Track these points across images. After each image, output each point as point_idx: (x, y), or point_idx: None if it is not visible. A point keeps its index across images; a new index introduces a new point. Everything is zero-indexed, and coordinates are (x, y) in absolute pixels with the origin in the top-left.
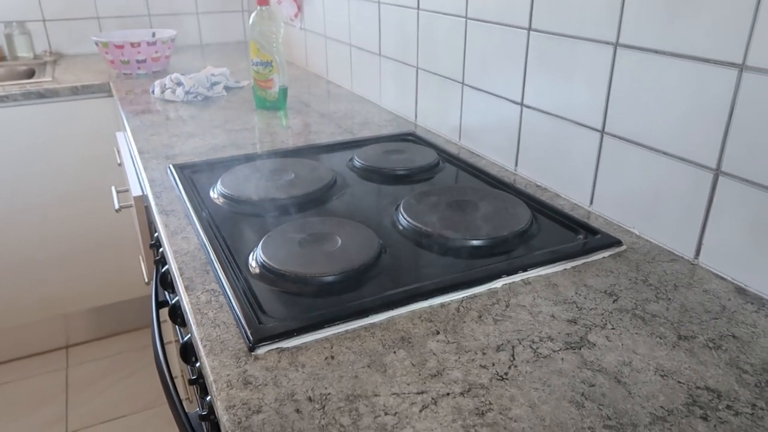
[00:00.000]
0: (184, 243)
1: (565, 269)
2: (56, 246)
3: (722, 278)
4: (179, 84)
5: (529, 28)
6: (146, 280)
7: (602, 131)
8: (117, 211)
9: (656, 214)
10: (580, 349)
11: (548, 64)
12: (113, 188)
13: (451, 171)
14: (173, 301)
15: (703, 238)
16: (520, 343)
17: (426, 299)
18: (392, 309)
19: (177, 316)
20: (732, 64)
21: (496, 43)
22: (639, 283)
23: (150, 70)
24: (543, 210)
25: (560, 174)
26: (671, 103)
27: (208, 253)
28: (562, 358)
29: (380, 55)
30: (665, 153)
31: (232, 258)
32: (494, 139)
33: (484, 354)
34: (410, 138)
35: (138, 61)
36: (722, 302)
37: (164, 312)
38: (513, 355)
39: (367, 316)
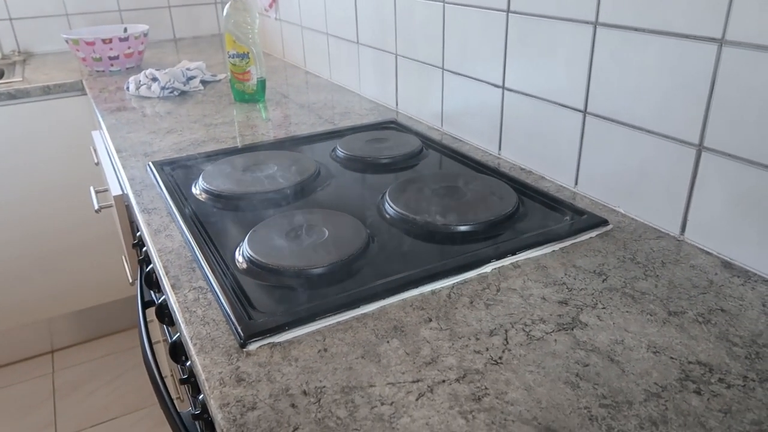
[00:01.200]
0: (168, 241)
1: (554, 251)
2: (35, 249)
3: (708, 253)
4: (154, 80)
5: (508, 10)
6: (130, 281)
7: (584, 111)
8: (97, 211)
9: (641, 192)
10: (572, 329)
11: (528, 46)
12: (92, 188)
13: (435, 157)
14: (160, 301)
15: (688, 214)
16: (512, 326)
17: (416, 287)
18: (383, 298)
19: (164, 315)
20: (711, 39)
21: (475, 26)
22: (627, 262)
23: (123, 67)
24: (529, 193)
25: (544, 156)
26: (652, 80)
27: (194, 250)
28: (555, 340)
29: (358, 44)
30: (648, 131)
31: (218, 254)
32: (477, 123)
33: (477, 339)
34: (392, 126)
35: (110, 58)
36: (709, 277)
37: (151, 312)
38: (506, 339)
39: (358, 306)
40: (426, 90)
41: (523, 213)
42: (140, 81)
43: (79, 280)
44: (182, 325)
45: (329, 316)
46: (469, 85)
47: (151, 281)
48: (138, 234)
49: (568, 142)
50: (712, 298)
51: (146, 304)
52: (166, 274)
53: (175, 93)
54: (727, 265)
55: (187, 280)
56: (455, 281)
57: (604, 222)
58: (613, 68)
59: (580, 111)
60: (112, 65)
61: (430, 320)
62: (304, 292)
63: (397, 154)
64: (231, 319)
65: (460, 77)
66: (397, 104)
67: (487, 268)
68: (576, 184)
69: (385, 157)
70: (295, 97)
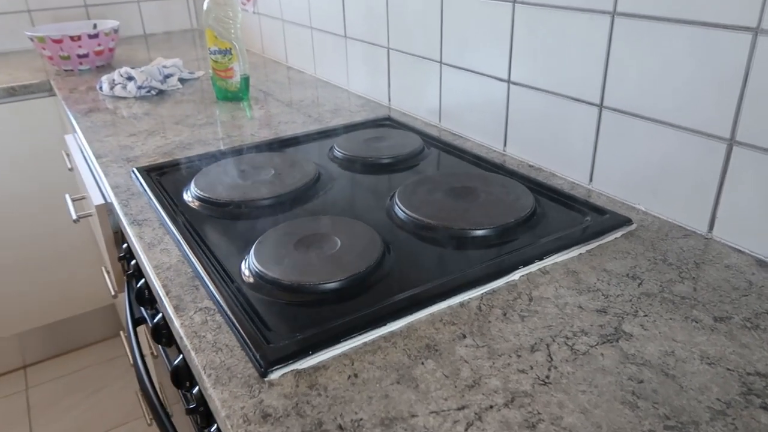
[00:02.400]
0: (165, 256)
1: (581, 254)
2: (2, 260)
3: (740, 252)
4: (130, 78)
5: (515, 0)
6: (113, 293)
7: (600, 105)
8: (75, 221)
9: (663, 188)
10: (617, 341)
11: (537, 39)
12: (68, 196)
13: (438, 156)
14: (156, 320)
15: (717, 211)
16: (553, 340)
17: (444, 299)
18: (410, 313)
19: (161, 336)
20: (746, 28)
21: (477, 17)
22: (659, 263)
23: (93, 65)
24: (543, 191)
25: (555, 152)
26: (677, 72)
27: (194, 265)
28: (602, 354)
29: (346, 37)
30: (672, 125)
31: (222, 269)
32: (479, 119)
33: (519, 356)
34: (387, 123)
35: (79, 56)
36: (747, 277)
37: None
38: (550, 355)
39: (384, 324)
40: (422, 85)
41: (542, 214)
42: (114, 80)
43: (51, 291)
44: (192, 353)
45: (355, 336)
46: (470, 79)
47: (142, 298)
48: (124, 246)
49: (581, 137)
50: (755, 300)
51: (137, 322)
52: (167, 294)
53: (153, 92)
54: (762, 264)
55: (191, 300)
56: (483, 291)
57: (628, 221)
58: (632, 61)
59: (595, 105)
60: (81, 63)
61: (464, 336)
62: (323, 309)
63: (399, 153)
64: (247, 344)
65: (459, 71)
66: (389, 100)
67: (516, 276)
68: (591, 180)
69: (387, 156)
70: (280, 95)
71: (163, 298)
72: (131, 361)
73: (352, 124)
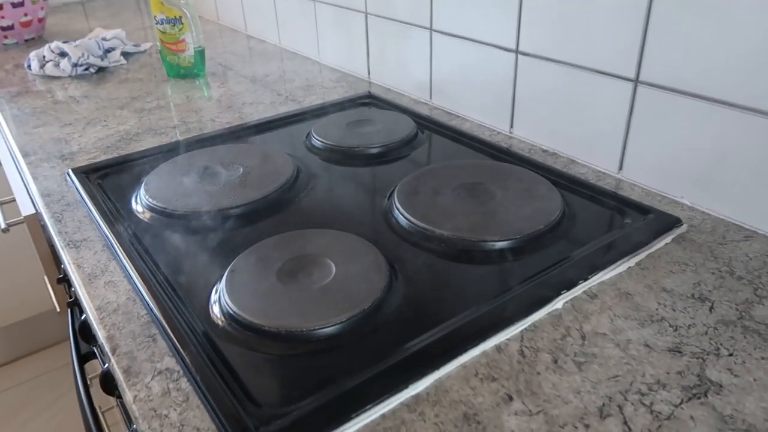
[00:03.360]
0: (110, 292)
1: (630, 268)
2: None
3: None
4: (62, 54)
5: None
6: (58, 310)
7: (636, 80)
8: (4, 231)
9: (714, 179)
10: (705, 395)
11: (554, 0)
12: None
13: (436, 142)
14: (105, 368)
15: None
16: (625, 398)
17: (477, 343)
18: (437, 367)
19: (113, 387)
20: None
21: None
22: (726, 277)
23: (21, 39)
24: (567, 185)
25: (574, 135)
26: (739, 40)
27: (150, 306)
28: (691, 417)
29: (314, 0)
30: (728, 103)
31: (185, 309)
32: (479, 96)
33: (587, 427)
34: (370, 101)
35: (3, 28)
36: None
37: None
38: (626, 422)
39: (406, 385)
40: (408, 56)
41: (571, 215)
42: (45, 57)
43: None
44: None
45: (369, 407)
46: (468, 48)
47: (87, 335)
48: (63, 267)
49: (610, 118)
50: None
51: (84, 358)
52: (113, 352)
53: (91, 70)
54: None
55: (146, 359)
56: (523, 327)
57: (677, 222)
58: (681, 25)
59: (629, 80)
60: (6, 37)
61: (511, 398)
62: (321, 365)
63: (390, 140)
64: (226, 429)
65: (455, 39)
66: (369, 73)
67: (558, 303)
68: (620, 169)
69: (376, 145)
70: (241, 69)
71: (110, 358)
72: (80, 411)
73: (329, 104)
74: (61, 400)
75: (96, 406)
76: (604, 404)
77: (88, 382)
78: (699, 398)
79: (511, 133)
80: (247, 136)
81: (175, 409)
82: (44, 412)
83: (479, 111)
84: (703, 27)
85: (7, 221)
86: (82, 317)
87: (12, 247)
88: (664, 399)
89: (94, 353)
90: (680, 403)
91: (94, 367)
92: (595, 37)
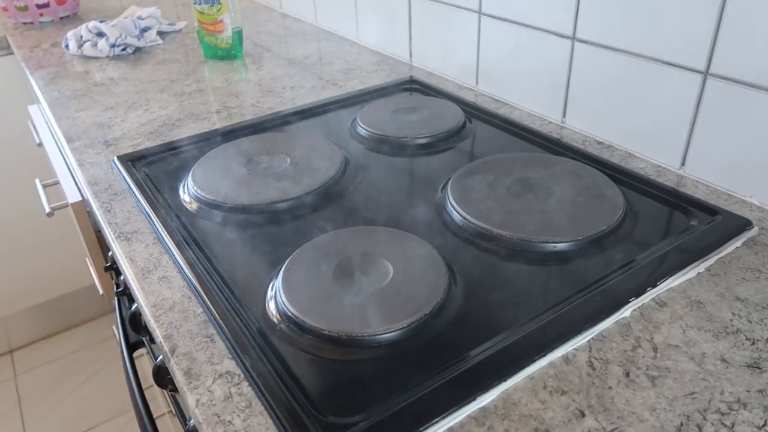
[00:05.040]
0: (165, 288)
1: (700, 273)
2: None
3: None
4: (100, 34)
5: None
6: (101, 292)
7: (705, 72)
8: (49, 215)
9: None
10: None
11: None
12: (38, 183)
13: (485, 131)
14: (158, 361)
15: None
16: (704, 417)
17: (544, 354)
18: (503, 378)
19: (167, 382)
20: None
21: None
22: None
23: (56, 17)
24: (626, 181)
25: (633, 127)
26: None
27: (206, 304)
28: None
29: None
30: None
31: (240, 309)
32: (530, 83)
33: None
34: (414, 87)
35: (39, 6)
36: None
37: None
38: None
39: (473, 397)
40: (454, 39)
41: (633, 214)
42: (82, 37)
43: (35, 270)
44: None
45: (436, 421)
46: (520, 33)
47: (137, 325)
48: (110, 254)
49: (673, 110)
50: None
51: (132, 347)
52: (172, 352)
53: (129, 50)
54: None
55: (206, 360)
56: (590, 337)
57: (748, 224)
58: (760, 15)
59: (698, 71)
60: (41, 15)
61: (583, 414)
62: (383, 372)
63: (438, 130)
64: None
65: (505, 23)
66: (411, 56)
67: (627, 312)
68: (683, 164)
69: (424, 135)
70: (279, 50)
71: (169, 357)
72: (131, 401)
73: (372, 90)
74: (98, 376)
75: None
76: (682, 423)
77: (135, 365)
78: None
79: (563, 122)
80: (290, 123)
81: (238, 415)
82: (80, 388)
83: (529, 98)
84: None
85: (52, 205)
86: (132, 307)
87: (52, 225)
88: (746, 420)
89: (142, 342)
90: (764, 425)
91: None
92: (662, 25)
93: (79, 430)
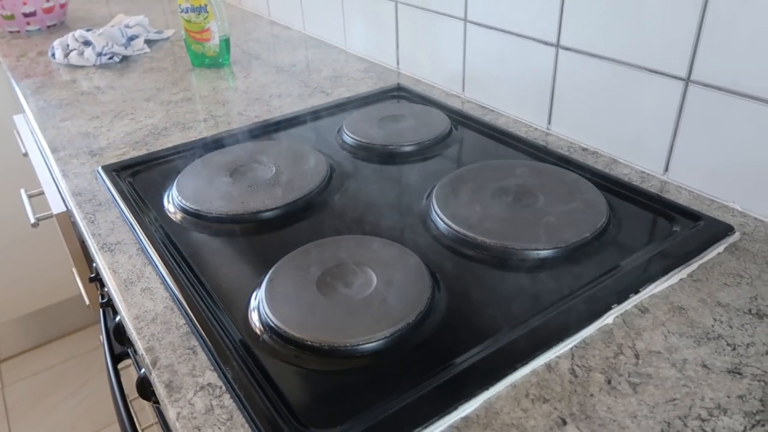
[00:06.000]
0: (147, 300)
1: (682, 279)
2: None
3: None
4: (87, 43)
5: None
6: (87, 302)
7: (687, 80)
8: (34, 225)
9: None
10: None
11: None
12: (23, 193)
13: (471, 138)
14: (141, 374)
15: None
16: (685, 424)
17: (526, 362)
18: (486, 387)
19: (149, 393)
20: None
21: None
22: None
23: (43, 25)
24: (610, 187)
25: (617, 134)
26: None
27: (188, 316)
28: None
29: None
30: None
31: (223, 319)
32: (515, 90)
33: None
34: (401, 94)
35: (26, 15)
36: None
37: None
38: None
39: (455, 406)
40: (440, 46)
41: (616, 221)
42: (69, 45)
43: (23, 281)
44: None
45: (419, 430)
46: (505, 41)
47: (122, 337)
48: (95, 267)
49: (656, 117)
50: None
51: (117, 358)
52: (154, 364)
53: (116, 59)
54: None
55: (188, 373)
56: (573, 344)
57: (730, 229)
58: (739, 22)
59: (680, 78)
60: (28, 24)
61: (564, 422)
62: (365, 382)
63: (425, 137)
64: None
65: (491, 31)
66: (398, 63)
67: (609, 318)
68: (666, 170)
69: (410, 143)
70: (267, 57)
71: (150, 370)
72: (116, 413)
73: (359, 97)
74: (89, 385)
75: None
76: (662, 430)
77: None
78: (763, 425)
79: (548, 129)
80: (277, 131)
81: (219, 428)
82: (71, 398)
83: (515, 105)
84: (765, 24)
85: (37, 215)
86: (116, 319)
87: (39, 235)
88: (726, 426)
89: (128, 353)
90: (744, 431)
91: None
92: (644, 33)
93: None
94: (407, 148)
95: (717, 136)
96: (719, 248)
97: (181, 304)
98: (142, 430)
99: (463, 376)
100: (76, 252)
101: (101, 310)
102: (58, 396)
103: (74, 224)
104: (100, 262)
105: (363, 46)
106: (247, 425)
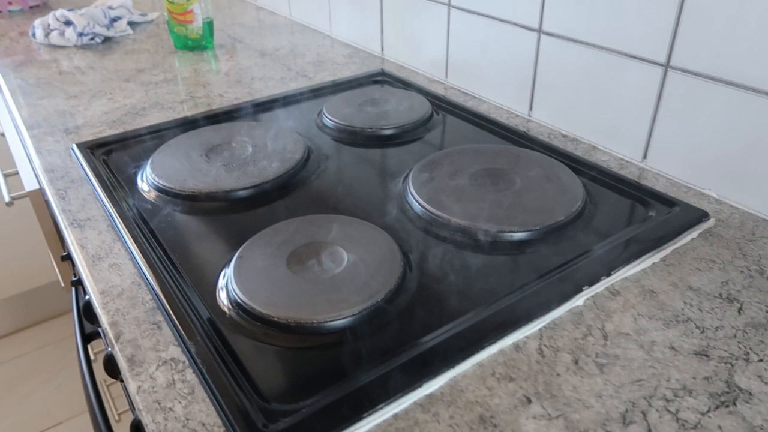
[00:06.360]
0: (114, 275)
1: (654, 263)
2: None
3: None
4: (68, 23)
5: None
6: (62, 285)
7: (666, 65)
8: (8, 204)
9: (745, 171)
10: (734, 404)
11: None
12: None
13: (452, 123)
14: (109, 352)
15: None
16: (649, 404)
17: (494, 341)
18: (452, 365)
19: (117, 371)
20: None
21: None
22: (756, 277)
23: (26, 5)
24: (588, 173)
25: (597, 121)
26: None
27: (155, 291)
28: (719, 426)
29: None
30: (766, 93)
31: (190, 296)
32: (498, 76)
33: None
34: (383, 79)
35: None
36: None
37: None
38: (650, 430)
39: (420, 383)
40: (424, 32)
41: (592, 205)
42: (50, 25)
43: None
44: None
45: (382, 407)
46: (488, 26)
47: (92, 315)
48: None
49: (636, 104)
50: None
51: (88, 338)
52: (117, 338)
53: (97, 40)
54: None
55: (151, 347)
56: (542, 325)
57: (704, 215)
58: (717, 9)
59: (659, 64)
60: (10, 3)
61: (529, 400)
62: (332, 360)
63: (405, 121)
64: (233, 427)
65: (474, 16)
66: (382, 49)
67: (580, 300)
68: (645, 157)
69: (390, 126)
70: (251, 42)
71: (113, 345)
72: (83, 390)
73: (341, 82)
74: (65, 372)
75: (99, 382)
76: (627, 410)
77: (92, 358)
78: (727, 406)
79: (529, 116)
80: (256, 113)
81: (180, 402)
82: (47, 384)
83: (497, 92)
84: (744, 11)
85: (11, 194)
86: (87, 297)
87: (16, 218)
88: (690, 406)
89: (99, 333)
90: (707, 411)
91: (100, 342)
92: (624, 18)
93: (45, 426)
94: (387, 132)
95: (695, 124)
96: (693, 234)
97: (147, 279)
98: (118, 414)
99: (429, 354)
100: (50, 231)
101: (73, 289)
102: (35, 382)
103: (47, 203)
104: (69, 237)
105: (348, 31)
106: (208, 399)
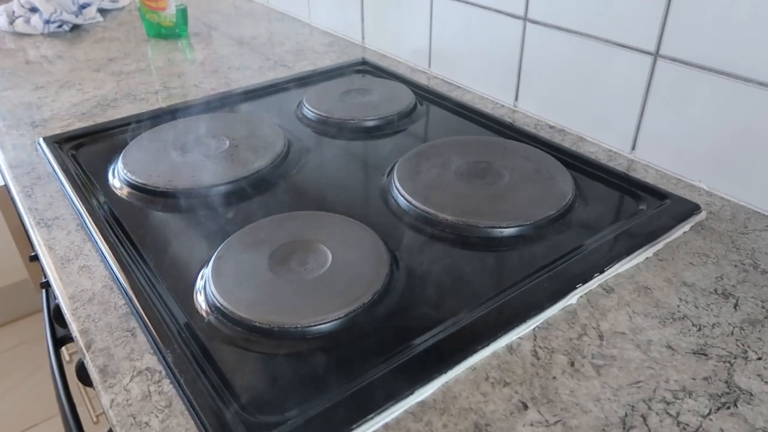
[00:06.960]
0: (85, 278)
1: (648, 258)
2: None
3: None
4: (33, 10)
5: None
6: (33, 285)
7: (656, 54)
8: None
9: (736, 162)
10: (735, 405)
11: None
12: None
13: (436, 114)
14: (80, 361)
15: None
16: (648, 407)
17: (487, 344)
18: (444, 370)
19: (89, 379)
20: None
21: None
22: (750, 271)
23: None
24: (577, 165)
25: (584, 111)
26: None
27: (129, 296)
28: (721, 429)
29: None
30: (757, 82)
31: (166, 300)
32: (482, 65)
33: None
34: (366, 69)
35: None
36: None
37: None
38: None
39: (411, 391)
40: (406, 20)
41: (582, 199)
42: (14, 12)
43: None
44: None
45: (372, 417)
46: (472, 14)
47: (62, 319)
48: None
49: (624, 93)
50: None
51: (59, 342)
52: (88, 347)
53: (65, 27)
54: None
55: (125, 356)
56: (535, 325)
57: (696, 208)
58: None
59: (648, 53)
60: None
61: (525, 406)
62: (316, 366)
63: (388, 112)
64: None
65: (458, 3)
66: (363, 38)
67: (573, 298)
68: (633, 149)
69: (373, 117)
70: (228, 30)
71: (84, 354)
72: (56, 396)
73: (321, 71)
74: (41, 371)
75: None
76: (626, 414)
77: (67, 359)
78: (728, 408)
79: (515, 106)
80: (233, 104)
81: (156, 416)
82: (21, 384)
83: (482, 82)
84: (734, 3)
85: None
86: (57, 301)
87: None
88: (691, 408)
89: (71, 337)
90: (708, 414)
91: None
92: (613, 5)
93: (19, 428)
94: (369, 123)
95: (684, 114)
96: (685, 227)
97: (120, 283)
98: (97, 416)
99: (419, 359)
100: (17, 229)
101: (43, 291)
102: (8, 382)
103: (13, 201)
104: (36, 238)
105: (327, 19)
106: (186, 413)
